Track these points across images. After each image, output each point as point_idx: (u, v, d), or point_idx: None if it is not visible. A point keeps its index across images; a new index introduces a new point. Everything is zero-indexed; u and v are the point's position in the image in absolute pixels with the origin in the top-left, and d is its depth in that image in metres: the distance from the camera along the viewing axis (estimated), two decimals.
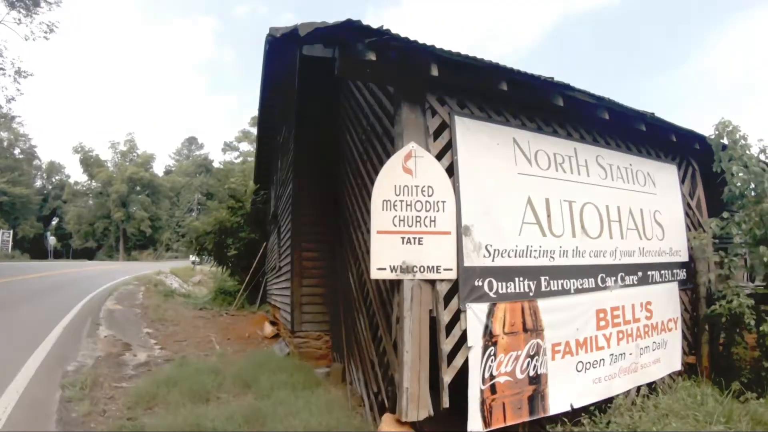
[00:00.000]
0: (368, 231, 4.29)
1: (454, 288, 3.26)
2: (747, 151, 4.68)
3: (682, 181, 5.30)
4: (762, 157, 4.70)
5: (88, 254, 53.16)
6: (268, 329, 8.62)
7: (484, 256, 3.42)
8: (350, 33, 2.98)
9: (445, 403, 3.12)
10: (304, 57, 4.04)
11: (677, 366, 4.62)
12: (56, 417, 4.00)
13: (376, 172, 4.03)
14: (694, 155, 5.41)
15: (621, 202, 4.53)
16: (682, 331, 4.81)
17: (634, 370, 4.24)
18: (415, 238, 3.18)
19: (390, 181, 3.22)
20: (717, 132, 4.80)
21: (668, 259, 4.85)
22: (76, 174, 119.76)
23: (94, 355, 6.20)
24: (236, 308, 13.58)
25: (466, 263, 3.29)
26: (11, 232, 44.46)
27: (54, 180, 61.25)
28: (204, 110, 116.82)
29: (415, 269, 3.14)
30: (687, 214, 5.22)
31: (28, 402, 4.21)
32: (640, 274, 4.51)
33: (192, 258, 27.83)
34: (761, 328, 4.23)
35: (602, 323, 4.07)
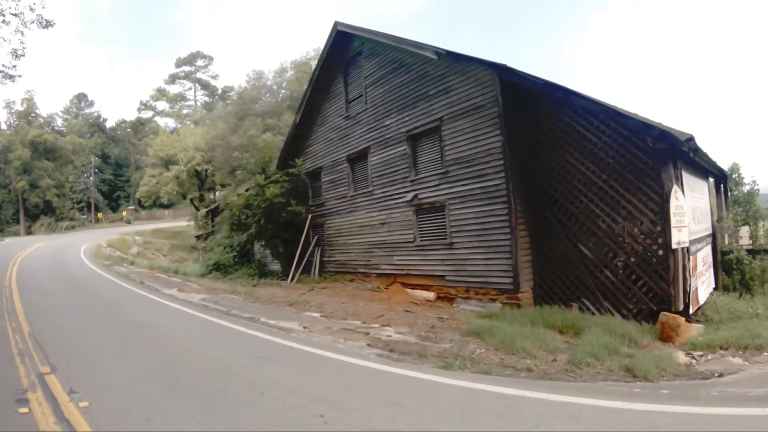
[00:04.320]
0: (613, 221, 8.04)
1: (687, 249, 7.32)
2: (742, 179, 9.71)
3: (709, 189, 10.18)
4: (752, 185, 9.76)
5: None
6: (430, 295, 10.68)
7: (689, 234, 7.54)
8: (687, 140, 6.61)
9: (686, 300, 7.23)
10: (507, 83, 8.09)
11: (713, 285, 9.53)
12: None
13: (626, 189, 7.76)
14: (713, 176, 10.32)
15: (700, 205, 9.09)
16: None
17: (707, 287, 8.93)
18: (681, 230, 7.10)
19: (672, 204, 7.05)
20: (732, 166, 9.71)
21: (709, 232, 9.68)
22: None
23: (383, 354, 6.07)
24: (296, 281, 15.09)
25: (690, 238, 7.38)
26: None
27: None
28: (88, 63, 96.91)
29: (681, 243, 7.08)
30: (710, 209, 10.14)
31: None
32: (707, 240, 9.22)
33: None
34: (751, 265, 9.30)
35: (701, 263, 8.61)
